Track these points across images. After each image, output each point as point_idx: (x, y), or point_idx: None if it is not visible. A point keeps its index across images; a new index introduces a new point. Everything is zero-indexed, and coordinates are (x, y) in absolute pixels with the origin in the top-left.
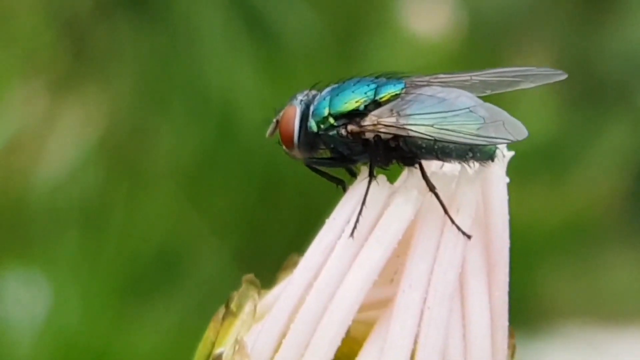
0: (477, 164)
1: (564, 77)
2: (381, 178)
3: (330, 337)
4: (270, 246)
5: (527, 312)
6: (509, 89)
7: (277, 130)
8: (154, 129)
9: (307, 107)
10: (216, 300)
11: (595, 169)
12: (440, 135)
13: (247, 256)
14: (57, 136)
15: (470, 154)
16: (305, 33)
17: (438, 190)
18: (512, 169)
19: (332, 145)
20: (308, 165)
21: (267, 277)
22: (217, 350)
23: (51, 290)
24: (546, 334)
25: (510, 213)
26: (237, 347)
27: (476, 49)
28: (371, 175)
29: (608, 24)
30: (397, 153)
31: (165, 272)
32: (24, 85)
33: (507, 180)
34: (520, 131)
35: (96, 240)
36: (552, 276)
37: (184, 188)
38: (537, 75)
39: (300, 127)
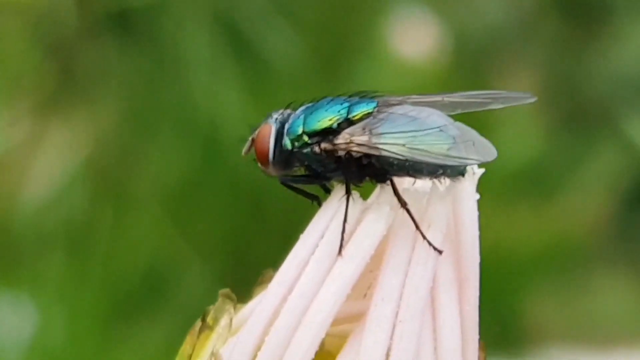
0: (447, 181)
1: (533, 99)
2: (354, 194)
3: (304, 350)
4: (254, 268)
5: (511, 335)
6: (480, 109)
7: (253, 148)
8: (140, 152)
9: (282, 125)
10: None
11: (582, 192)
12: (411, 155)
13: (232, 278)
14: (42, 158)
15: (441, 171)
16: (290, 55)
17: (410, 206)
18: (497, 191)
19: (306, 163)
20: (283, 183)
21: (248, 299)
22: None
23: (37, 311)
24: (531, 357)
25: (495, 235)
26: None
27: (462, 71)
28: (348, 192)
29: (595, 47)
30: (369, 170)
31: (151, 294)
32: (9, 107)
33: (478, 196)
34: (490, 151)
35: (82, 262)
36: (537, 299)
37: (169, 210)
38: (507, 97)
39: (275, 145)
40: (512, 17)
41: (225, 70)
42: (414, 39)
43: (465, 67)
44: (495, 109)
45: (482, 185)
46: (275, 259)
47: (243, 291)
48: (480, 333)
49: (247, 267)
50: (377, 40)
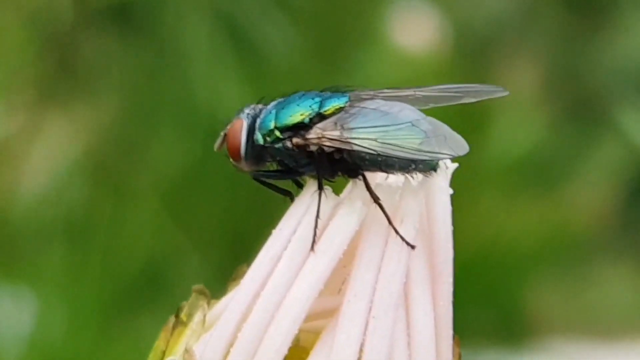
0: (420, 175)
1: (505, 93)
2: (326, 190)
3: (277, 346)
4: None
5: (514, 326)
6: (451, 103)
7: (225, 144)
8: (139, 144)
9: (254, 120)
10: None
11: (585, 183)
12: (383, 150)
13: (230, 271)
14: (41, 151)
15: (413, 166)
16: (290, 48)
17: (382, 201)
18: (500, 182)
19: (278, 158)
20: (255, 178)
21: None
22: (167, 359)
23: (36, 304)
24: (533, 349)
25: (497, 226)
26: (186, 356)
27: (463, 62)
28: (320, 188)
29: (598, 38)
30: (342, 165)
31: (150, 287)
32: (8, 99)
33: (451, 191)
34: (461, 146)
35: (81, 255)
36: (540, 291)
37: (168, 203)
38: (479, 91)
39: (247, 140)
40: (514, 8)
41: (225, 63)
42: (414, 30)
43: (466, 59)
44: (468, 103)
45: (484, 177)
46: None
47: None
48: (461, 326)
49: (246, 260)
50: (377, 32)
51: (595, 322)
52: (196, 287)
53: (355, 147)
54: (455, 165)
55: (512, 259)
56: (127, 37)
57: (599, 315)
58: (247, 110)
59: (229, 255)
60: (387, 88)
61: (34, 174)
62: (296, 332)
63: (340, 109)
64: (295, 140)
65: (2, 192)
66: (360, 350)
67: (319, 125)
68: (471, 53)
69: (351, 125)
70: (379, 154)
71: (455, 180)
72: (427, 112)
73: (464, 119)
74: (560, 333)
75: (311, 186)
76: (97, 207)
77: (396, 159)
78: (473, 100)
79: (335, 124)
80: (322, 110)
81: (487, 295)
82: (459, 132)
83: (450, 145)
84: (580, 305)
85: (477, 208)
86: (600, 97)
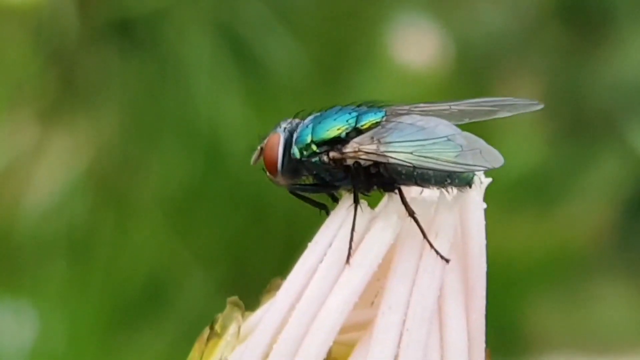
0: (455, 190)
1: (540, 107)
2: (362, 203)
3: (312, 358)
4: (255, 276)
5: (512, 344)
6: (487, 118)
7: (261, 158)
8: (141, 159)
9: (291, 134)
10: (202, 330)
11: (583, 200)
12: (419, 163)
13: (233, 286)
14: (44, 166)
15: (449, 181)
16: (292, 64)
17: (417, 215)
18: (499, 200)
19: (314, 172)
20: (291, 192)
21: (252, 307)
22: None
23: (38, 319)
24: None
25: (496, 244)
26: None
27: (464, 79)
28: (356, 202)
29: (598, 55)
30: (378, 179)
31: (152, 302)
32: (12, 115)
33: (485, 206)
34: (496, 159)
35: (83, 270)
36: (538, 308)
37: (171, 218)
38: (514, 105)
39: (284, 154)
40: (514, 25)
41: (227, 79)
42: (415, 47)
43: (467, 75)
44: (502, 117)
45: (484, 194)
46: (276, 267)
47: (243, 299)
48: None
49: (248, 274)
50: (378, 49)
51: (593, 339)
52: (231, 298)
53: (392, 161)
54: (490, 180)
55: (511, 276)
56: (128, 52)
57: (596, 332)
58: (283, 125)
59: (230, 269)
60: (423, 102)
61: (36, 189)
62: (331, 344)
63: (377, 124)
64: (332, 154)
65: (5, 207)
66: None
67: (356, 139)
68: (472, 70)
69: (387, 139)
70: (415, 168)
71: None
72: None
73: None
74: (558, 350)
75: (347, 200)
76: (99, 222)
77: (432, 173)
78: (508, 114)
79: (372, 138)
80: (358, 125)
81: (485, 312)
82: None
83: (485, 158)
84: (578, 322)
85: None
86: (601, 113)
